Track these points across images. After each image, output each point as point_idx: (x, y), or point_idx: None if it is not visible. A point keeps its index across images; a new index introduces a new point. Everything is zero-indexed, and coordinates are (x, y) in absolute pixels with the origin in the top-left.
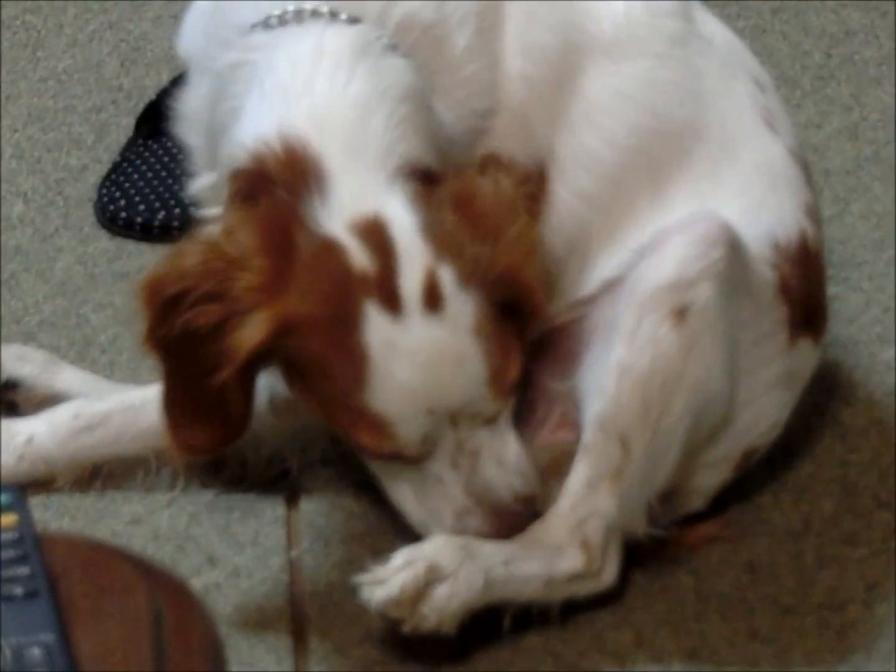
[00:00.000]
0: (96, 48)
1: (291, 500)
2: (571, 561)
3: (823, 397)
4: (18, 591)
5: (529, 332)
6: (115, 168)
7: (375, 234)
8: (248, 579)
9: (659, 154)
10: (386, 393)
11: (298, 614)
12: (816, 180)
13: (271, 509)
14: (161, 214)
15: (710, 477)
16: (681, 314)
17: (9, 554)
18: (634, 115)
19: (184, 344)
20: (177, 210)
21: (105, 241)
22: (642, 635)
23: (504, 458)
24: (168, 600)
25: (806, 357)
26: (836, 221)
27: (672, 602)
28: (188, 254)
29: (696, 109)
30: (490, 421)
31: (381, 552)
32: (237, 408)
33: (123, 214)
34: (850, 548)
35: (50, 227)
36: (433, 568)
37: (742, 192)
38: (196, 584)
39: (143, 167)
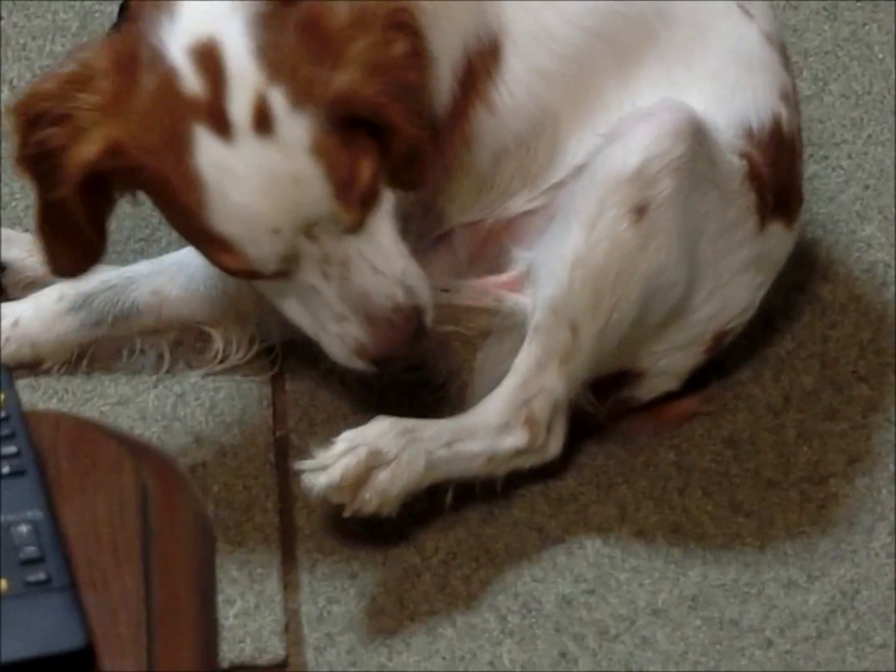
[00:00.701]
0: None
1: (277, 381)
2: (516, 438)
3: (803, 274)
4: (5, 468)
5: (396, 148)
6: None
7: (208, 58)
8: (235, 458)
9: (625, 37)
10: (224, 216)
11: (284, 492)
12: (795, 61)
13: (257, 389)
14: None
15: (682, 358)
16: (640, 211)
17: None
18: None
19: (40, 163)
20: None
21: None
22: (626, 510)
23: (380, 266)
24: (155, 477)
25: (778, 240)
26: (814, 101)
27: (655, 477)
28: (51, 77)
29: None
30: (353, 230)
31: None
32: (88, 231)
33: None
34: (831, 422)
35: None
36: (375, 453)
37: (714, 77)
38: (183, 463)
39: None
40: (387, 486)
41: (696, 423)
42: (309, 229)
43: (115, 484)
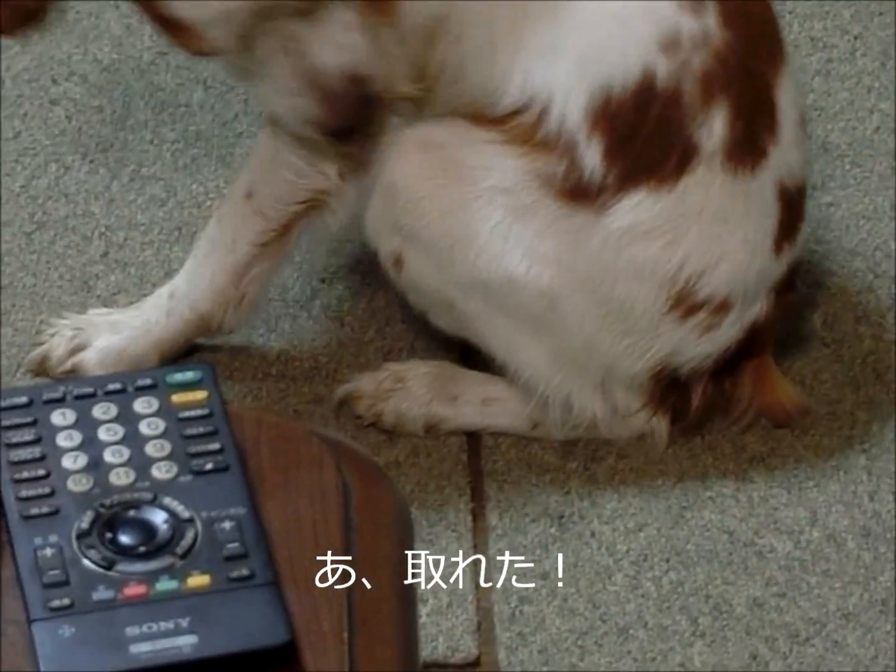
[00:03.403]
0: None
1: None
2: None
3: None
4: (209, 465)
5: None
6: None
7: None
8: (428, 458)
9: None
10: (184, 5)
11: (477, 492)
12: None
13: None
14: None
15: (664, 337)
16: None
17: (199, 429)
18: None
19: None
20: None
21: None
22: (816, 514)
23: (339, 39)
24: (355, 474)
25: (645, 208)
26: None
27: (846, 482)
28: None
29: None
30: (309, 13)
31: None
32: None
33: None
34: None
35: (230, 112)
36: (400, 378)
37: (589, 28)
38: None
39: None
40: (402, 407)
41: (887, 429)
42: (265, 11)
43: (317, 480)
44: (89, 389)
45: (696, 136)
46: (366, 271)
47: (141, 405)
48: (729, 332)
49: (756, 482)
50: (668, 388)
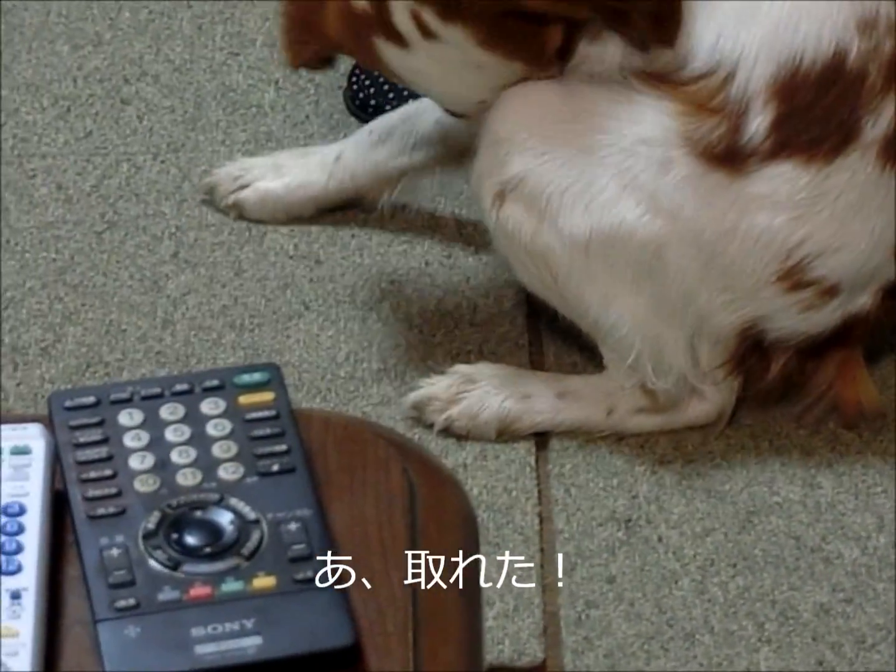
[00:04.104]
0: None
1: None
2: (633, 397)
3: None
4: (275, 466)
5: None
6: None
7: None
8: (496, 461)
9: None
10: (430, 96)
11: (544, 495)
12: None
13: None
14: (410, 102)
15: (767, 304)
16: (499, 195)
17: (265, 430)
18: None
19: None
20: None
21: (355, 129)
22: (884, 520)
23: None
24: (422, 476)
25: (786, 180)
26: None
27: None
28: None
29: None
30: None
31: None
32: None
33: (373, 102)
34: None
35: (301, 114)
36: (470, 380)
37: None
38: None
39: None
40: (475, 409)
41: None
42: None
43: (383, 483)
44: (157, 390)
45: (863, 120)
46: (434, 273)
47: (208, 406)
48: (829, 316)
49: (823, 487)
50: (750, 349)
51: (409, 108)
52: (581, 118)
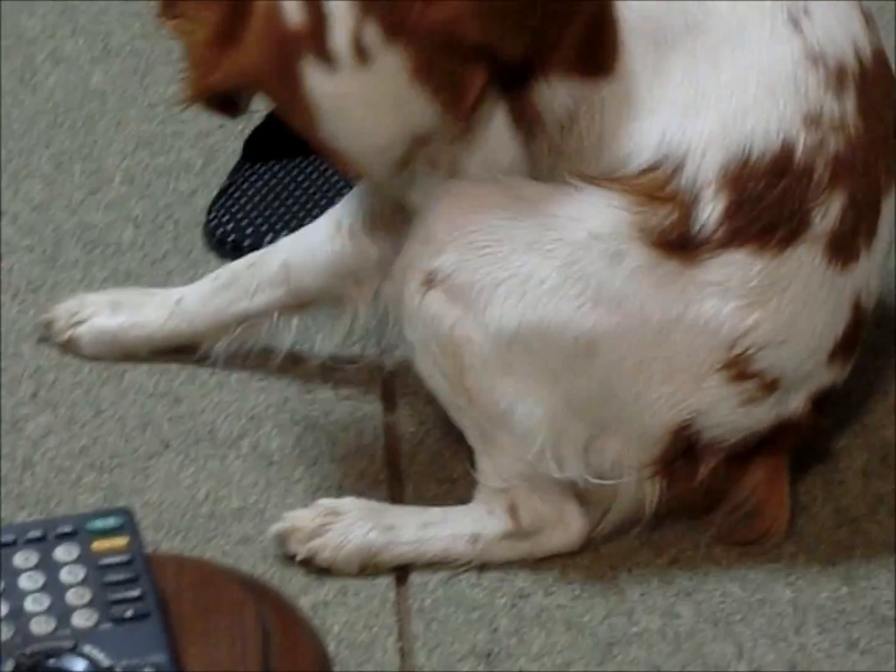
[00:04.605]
0: None
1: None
2: (500, 521)
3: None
4: (129, 612)
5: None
6: (224, 192)
7: None
8: (356, 597)
9: (666, 21)
10: (338, 135)
11: (405, 631)
12: None
13: None
14: (269, 237)
15: (707, 396)
16: (427, 282)
17: (119, 576)
18: None
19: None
20: (284, 234)
21: (214, 265)
22: (743, 648)
23: (489, 159)
24: (276, 619)
25: (739, 269)
26: None
27: (771, 615)
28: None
29: None
30: (465, 137)
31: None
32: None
33: (232, 238)
34: None
35: (160, 250)
36: (333, 511)
37: (734, 90)
38: (304, 602)
39: (251, 191)
40: (339, 540)
41: (814, 560)
42: (420, 140)
43: (238, 626)
44: (10, 537)
45: (812, 213)
46: (293, 409)
47: (62, 552)
48: (766, 413)
49: (682, 616)
50: (681, 450)
51: (256, 254)
52: (525, 214)
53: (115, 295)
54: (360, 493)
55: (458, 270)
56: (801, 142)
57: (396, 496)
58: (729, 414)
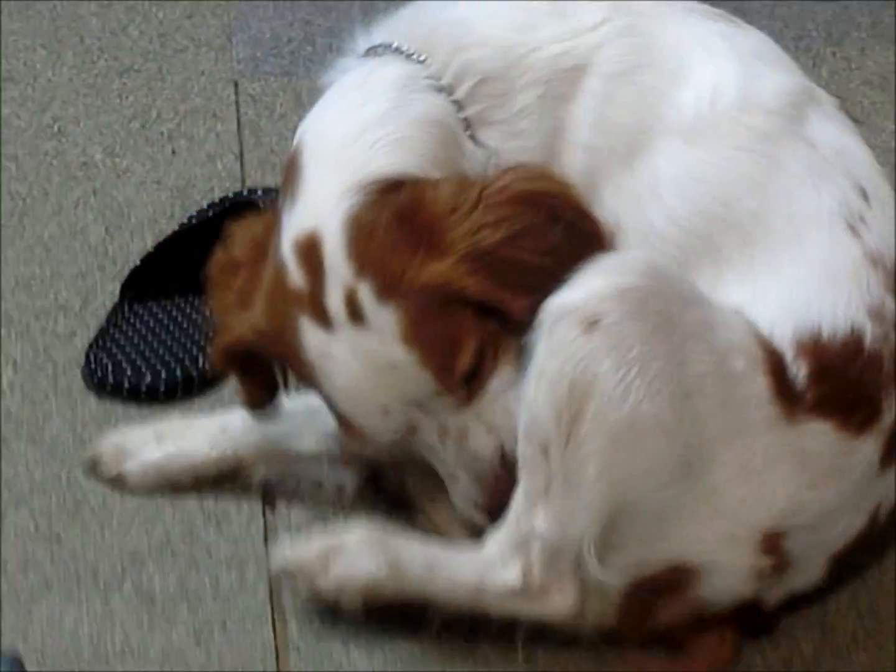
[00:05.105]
0: (81, 215)
1: None
2: (509, 575)
3: None
4: None
5: (512, 327)
6: (102, 333)
7: (309, 253)
8: None
9: (721, 239)
10: (335, 397)
11: None
12: None
13: None
14: (148, 378)
15: (737, 554)
16: (590, 324)
17: None
18: (701, 199)
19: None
20: (163, 373)
21: (94, 405)
22: None
23: (496, 423)
24: None
25: (822, 441)
26: None
27: None
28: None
29: (764, 202)
30: (465, 404)
31: None
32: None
33: (111, 379)
34: None
35: (39, 392)
36: (337, 548)
37: (796, 284)
38: None
39: (129, 332)
40: (344, 576)
41: None
42: (420, 405)
43: None
44: None
45: (884, 403)
46: (176, 548)
47: None
48: (757, 591)
49: None
50: (665, 586)
51: (308, 399)
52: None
53: (155, 427)
54: (245, 633)
55: (624, 324)
56: (869, 331)
57: (279, 635)
58: (732, 578)
